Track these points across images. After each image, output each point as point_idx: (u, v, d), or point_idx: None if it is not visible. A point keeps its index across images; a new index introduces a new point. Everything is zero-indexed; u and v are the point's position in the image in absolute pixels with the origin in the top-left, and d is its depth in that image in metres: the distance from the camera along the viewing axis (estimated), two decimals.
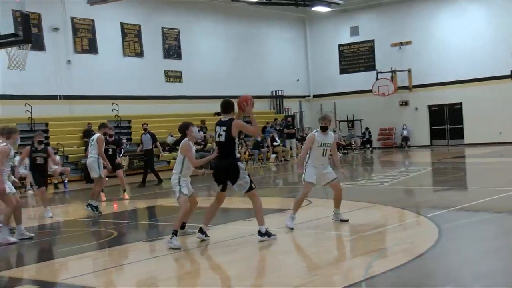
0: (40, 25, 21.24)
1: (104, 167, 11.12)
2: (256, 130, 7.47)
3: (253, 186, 7.41)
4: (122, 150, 17.09)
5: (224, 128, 7.21)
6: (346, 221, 8.42)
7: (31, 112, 20.13)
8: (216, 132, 7.36)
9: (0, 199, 8.30)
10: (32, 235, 8.64)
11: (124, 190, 13.47)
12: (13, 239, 8.28)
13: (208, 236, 7.63)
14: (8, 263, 7.51)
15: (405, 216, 9.18)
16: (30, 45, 10.10)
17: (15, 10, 9.53)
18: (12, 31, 9.08)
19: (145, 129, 17.20)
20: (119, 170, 13.42)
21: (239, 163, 7.31)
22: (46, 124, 20.83)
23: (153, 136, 16.91)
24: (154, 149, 17.15)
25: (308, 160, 8.22)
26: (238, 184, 7.31)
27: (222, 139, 7.21)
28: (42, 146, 10.71)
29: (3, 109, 19.75)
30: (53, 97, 21.58)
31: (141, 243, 7.98)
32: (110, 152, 12.85)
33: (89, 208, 10.78)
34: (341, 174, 8.92)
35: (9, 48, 9.83)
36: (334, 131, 27.47)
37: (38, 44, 20.04)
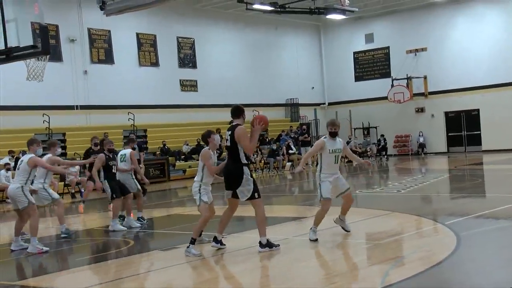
0: (58, 36, 21.55)
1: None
2: (250, 147, 7.23)
3: (256, 196, 7.31)
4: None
5: (230, 133, 7.28)
6: (348, 231, 8.27)
7: (49, 123, 20.37)
8: (225, 137, 7.44)
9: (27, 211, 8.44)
10: (27, 245, 8.67)
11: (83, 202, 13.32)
12: (45, 248, 8.42)
13: (224, 245, 7.64)
14: (26, 272, 7.59)
15: (422, 223, 9.10)
16: (48, 56, 10.23)
17: (34, 22, 9.68)
18: (30, 43, 9.21)
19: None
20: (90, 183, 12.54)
21: (245, 168, 7.24)
22: (64, 134, 21.06)
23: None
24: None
25: (321, 172, 7.91)
26: (240, 191, 7.26)
27: (228, 143, 7.28)
28: (111, 154, 10.41)
29: (21, 119, 20.05)
30: (70, 107, 21.84)
31: (157, 252, 8.01)
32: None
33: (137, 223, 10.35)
34: (366, 164, 8.93)
35: (28, 60, 9.97)
36: (350, 139, 27.60)
37: (55, 55, 20.34)
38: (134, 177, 10.66)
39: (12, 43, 9.05)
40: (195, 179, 7.67)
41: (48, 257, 8.38)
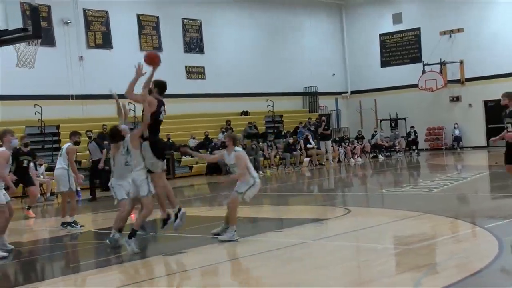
0: (50, 19, 21.66)
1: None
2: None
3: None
4: (37, 163, 16.48)
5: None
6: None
7: (41, 114, 20.51)
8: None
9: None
10: (12, 247, 8.81)
11: (29, 208, 13.11)
12: (2, 254, 8.44)
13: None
14: (25, 277, 7.66)
15: (459, 227, 9.05)
16: (39, 40, 10.30)
17: (24, 3, 9.74)
18: (20, 25, 9.27)
19: (89, 137, 17.49)
20: (32, 187, 12.59)
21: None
22: (57, 127, 21.19)
23: (100, 145, 16.89)
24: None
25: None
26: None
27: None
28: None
29: (11, 110, 20.19)
30: (65, 97, 21.96)
31: (160, 257, 8.04)
32: (24, 165, 12.47)
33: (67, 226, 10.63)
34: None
35: (18, 45, 10.04)
36: (376, 132, 27.47)
37: (48, 39, 20.43)
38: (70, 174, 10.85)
39: (0, 26, 9.11)
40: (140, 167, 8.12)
41: (42, 261, 8.43)
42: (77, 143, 11.52)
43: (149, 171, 8.21)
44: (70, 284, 7.13)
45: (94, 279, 7.18)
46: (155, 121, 8.30)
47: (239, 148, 8.68)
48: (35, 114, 20.48)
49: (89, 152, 17.19)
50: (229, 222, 8.50)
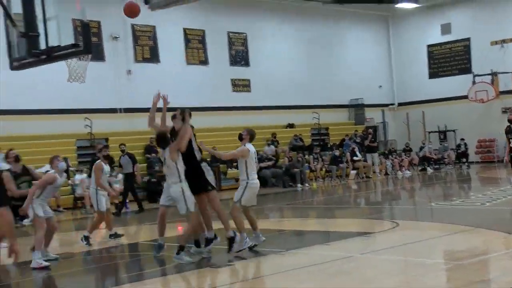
0: (100, 34, 22.22)
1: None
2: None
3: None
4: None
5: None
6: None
7: (91, 127, 21.00)
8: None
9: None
10: (57, 256, 9.06)
11: None
12: (45, 263, 8.59)
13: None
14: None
15: None
16: (90, 55, 10.55)
17: (75, 19, 10.03)
18: (72, 41, 9.54)
19: (122, 150, 17.44)
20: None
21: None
22: (106, 139, 21.61)
23: (132, 158, 16.83)
24: (135, 173, 16.72)
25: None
26: None
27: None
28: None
29: (62, 124, 20.75)
30: (113, 110, 22.42)
31: (208, 270, 8.10)
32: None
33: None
34: None
35: (69, 60, 10.31)
36: (424, 144, 26.98)
37: (97, 54, 20.93)
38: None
39: (53, 42, 9.40)
40: (176, 180, 8.23)
41: (92, 272, 8.61)
42: (106, 157, 11.49)
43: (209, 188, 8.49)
44: None
45: None
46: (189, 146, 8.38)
47: (250, 145, 8.75)
48: (85, 127, 20.97)
49: (120, 165, 17.12)
50: (239, 231, 8.54)
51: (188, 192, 8.20)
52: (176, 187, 8.20)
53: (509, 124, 10.20)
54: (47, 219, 8.94)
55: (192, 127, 8.72)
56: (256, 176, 8.81)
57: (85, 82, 11.28)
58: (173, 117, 8.74)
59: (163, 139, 8.55)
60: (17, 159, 10.77)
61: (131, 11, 8.74)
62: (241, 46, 26.41)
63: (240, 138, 8.89)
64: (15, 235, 4.42)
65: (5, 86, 19.11)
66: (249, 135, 8.74)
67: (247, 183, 8.58)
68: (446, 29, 29.96)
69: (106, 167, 10.91)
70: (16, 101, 19.75)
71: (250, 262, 8.19)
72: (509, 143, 9.91)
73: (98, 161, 11.07)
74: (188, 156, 8.38)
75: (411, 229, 10.55)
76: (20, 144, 19.25)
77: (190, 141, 8.43)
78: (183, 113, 8.49)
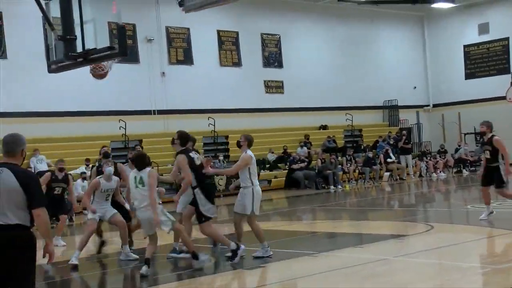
0: (135, 36, 22.53)
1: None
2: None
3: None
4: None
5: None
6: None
7: (125, 129, 21.29)
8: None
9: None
10: (137, 257, 9.04)
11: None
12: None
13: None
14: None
15: None
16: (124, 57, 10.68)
17: (111, 22, 10.21)
18: (107, 44, 9.72)
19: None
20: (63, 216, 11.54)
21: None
22: (140, 141, 21.86)
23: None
24: None
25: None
26: None
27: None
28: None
29: (97, 126, 21.10)
30: (147, 112, 22.69)
31: (239, 271, 8.15)
32: (56, 192, 11.23)
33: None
34: None
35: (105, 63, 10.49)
36: (459, 146, 26.52)
37: (132, 56, 21.22)
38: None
39: (89, 45, 9.59)
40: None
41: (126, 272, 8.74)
42: (133, 160, 11.10)
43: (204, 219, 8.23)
44: None
45: None
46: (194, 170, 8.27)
47: (250, 151, 8.54)
48: (119, 129, 21.28)
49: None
50: (260, 241, 8.40)
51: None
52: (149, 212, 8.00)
53: (483, 136, 10.78)
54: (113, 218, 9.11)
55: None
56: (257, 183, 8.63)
57: (111, 69, 11.24)
58: (172, 142, 8.78)
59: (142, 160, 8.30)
60: (61, 169, 11.37)
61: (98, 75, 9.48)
62: (274, 47, 26.43)
63: (239, 145, 8.73)
64: (51, 235, 4.51)
65: (42, 89, 19.60)
66: (247, 140, 8.65)
67: (253, 189, 8.37)
68: (483, 28, 29.44)
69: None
70: (52, 103, 20.20)
71: (282, 264, 8.20)
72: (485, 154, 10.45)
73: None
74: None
75: (446, 232, 10.40)
76: (56, 145, 19.68)
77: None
78: (181, 136, 8.55)
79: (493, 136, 10.77)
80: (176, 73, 23.39)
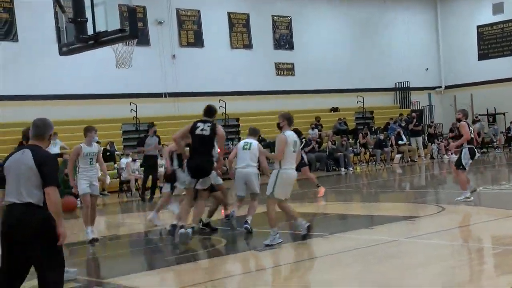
0: (145, 19, 22.45)
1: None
2: None
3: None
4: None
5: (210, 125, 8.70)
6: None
7: (136, 112, 21.33)
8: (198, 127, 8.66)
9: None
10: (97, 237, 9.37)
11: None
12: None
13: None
14: (111, 271, 8.03)
15: None
16: (135, 40, 10.69)
17: (121, 5, 10.17)
18: (118, 26, 9.69)
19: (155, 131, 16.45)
20: None
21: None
22: (152, 124, 21.92)
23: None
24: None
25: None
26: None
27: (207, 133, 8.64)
28: None
29: (108, 108, 21.14)
30: (158, 95, 22.70)
31: (252, 253, 8.18)
32: None
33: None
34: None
35: (116, 45, 10.48)
36: (477, 118, 26.23)
37: (143, 38, 21.16)
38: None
39: (100, 27, 9.57)
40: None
41: (136, 255, 8.81)
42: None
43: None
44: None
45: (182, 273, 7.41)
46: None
47: (288, 132, 8.14)
48: (131, 111, 21.31)
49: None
50: (271, 226, 8.07)
51: None
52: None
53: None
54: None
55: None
56: (292, 166, 8.09)
57: (132, 66, 11.50)
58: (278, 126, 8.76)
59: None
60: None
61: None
62: (285, 29, 26.28)
63: (279, 127, 8.55)
64: (61, 216, 4.53)
65: (52, 72, 19.62)
66: (286, 120, 8.22)
67: (278, 172, 7.97)
68: (498, 8, 29.08)
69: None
70: (62, 86, 20.22)
71: (295, 245, 8.23)
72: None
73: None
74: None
75: (457, 214, 10.37)
76: (67, 128, 19.73)
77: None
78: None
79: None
80: (186, 56, 23.34)
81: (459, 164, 11.24)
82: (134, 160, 17.74)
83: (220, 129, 8.76)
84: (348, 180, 19.10)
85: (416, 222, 9.72)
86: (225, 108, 23.49)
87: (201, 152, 8.62)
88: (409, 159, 23.58)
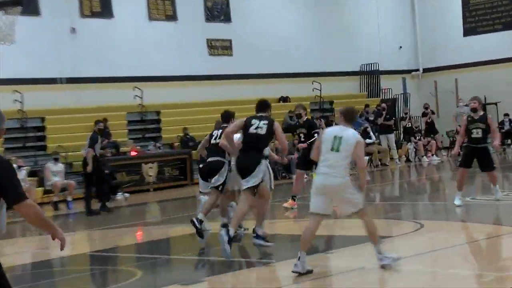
0: None
1: None
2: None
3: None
4: None
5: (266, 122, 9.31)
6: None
7: (22, 103, 20.82)
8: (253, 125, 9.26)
9: None
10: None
11: None
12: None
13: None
14: None
15: None
16: (20, 8, 10.45)
17: None
18: None
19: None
20: None
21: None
22: (43, 119, 21.49)
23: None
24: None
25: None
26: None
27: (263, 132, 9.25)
28: None
29: None
30: (51, 81, 22.20)
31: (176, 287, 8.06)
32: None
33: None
34: None
35: None
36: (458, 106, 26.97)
37: (30, 7, 20.60)
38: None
39: None
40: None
41: None
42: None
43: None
44: None
45: None
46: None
47: (332, 127, 9.41)
48: (14, 102, 20.74)
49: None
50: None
51: None
52: None
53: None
54: None
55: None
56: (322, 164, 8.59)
57: (15, 42, 11.20)
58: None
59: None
60: None
61: None
62: None
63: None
64: (50, 223, 4.46)
65: None
66: (343, 115, 8.57)
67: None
68: None
69: None
70: None
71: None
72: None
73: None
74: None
75: (439, 232, 10.56)
76: None
77: None
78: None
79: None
80: (89, 30, 23.00)
81: (492, 164, 12.46)
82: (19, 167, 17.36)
83: (279, 129, 9.50)
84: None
85: (387, 243, 9.76)
86: (141, 98, 23.27)
87: (251, 152, 9.32)
88: (379, 162, 23.90)
